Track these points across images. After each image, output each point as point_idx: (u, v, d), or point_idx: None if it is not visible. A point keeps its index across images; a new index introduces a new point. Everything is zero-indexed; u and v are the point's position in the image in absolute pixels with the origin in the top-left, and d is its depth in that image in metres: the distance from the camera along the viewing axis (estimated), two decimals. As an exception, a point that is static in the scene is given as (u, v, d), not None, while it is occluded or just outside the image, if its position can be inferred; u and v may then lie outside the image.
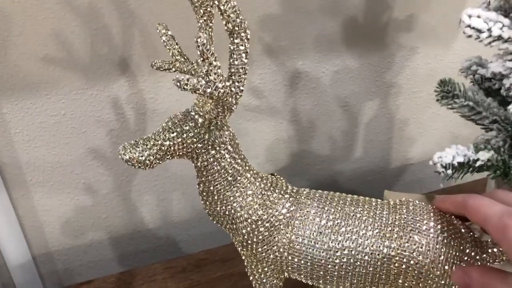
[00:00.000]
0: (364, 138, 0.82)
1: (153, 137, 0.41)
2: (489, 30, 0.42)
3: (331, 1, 0.68)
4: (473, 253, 0.40)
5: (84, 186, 0.71)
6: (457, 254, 0.40)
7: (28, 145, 0.65)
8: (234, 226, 0.45)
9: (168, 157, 0.42)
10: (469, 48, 0.77)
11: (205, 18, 0.42)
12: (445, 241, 0.40)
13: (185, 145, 0.41)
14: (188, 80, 0.35)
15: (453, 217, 0.43)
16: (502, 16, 0.43)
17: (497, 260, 0.41)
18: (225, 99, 0.37)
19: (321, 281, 0.44)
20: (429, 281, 0.40)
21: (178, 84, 0.34)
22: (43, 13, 0.57)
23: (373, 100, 0.79)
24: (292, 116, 0.77)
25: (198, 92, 0.35)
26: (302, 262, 0.43)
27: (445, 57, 0.78)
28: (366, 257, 0.41)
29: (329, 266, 0.42)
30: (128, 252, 0.79)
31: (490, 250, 0.41)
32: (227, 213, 0.45)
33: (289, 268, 0.45)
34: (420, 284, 0.41)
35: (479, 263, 0.41)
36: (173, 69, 0.44)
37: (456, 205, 0.39)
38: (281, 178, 0.47)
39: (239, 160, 0.44)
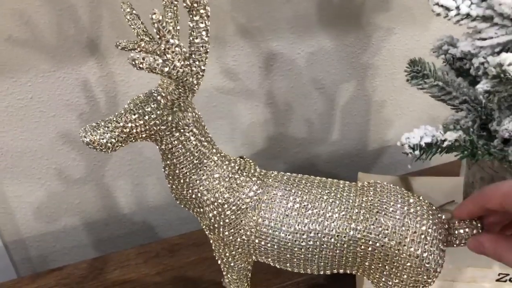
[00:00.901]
0: (341, 120, 0.82)
1: (114, 119, 0.40)
2: (458, 8, 0.42)
3: (305, -20, 0.67)
4: (439, 235, 0.40)
5: (55, 172, 0.70)
6: (423, 235, 0.39)
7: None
8: (201, 209, 0.45)
9: (131, 139, 0.41)
10: (445, 29, 0.76)
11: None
12: (411, 222, 0.40)
13: (147, 127, 0.40)
14: (143, 58, 0.33)
15: (421, 198, 0.43)
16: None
17: (463, 242, 0.41)
18: (185, 79, 0.36)
19: (288, 264, 0.44)
20: (395, 263, 0.40)
21: (134, 63, 0.33)
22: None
23: (350, 81, 0.79)
24: (268, 99, 0.76)
25: (155, 71, 0.34)
26: (269, 245, 0.43)
27: (422, 37, 0.77)
28: (333, 240, 0.41)
29: (296, 249, 0.42)
30: (103, 238, 0.78)
31: (456, 232, 0.41)
32: (193, 196, 0.44)
33: (257, 252, 0.44)
34: (387, 266, 0.40)
35: (444, 244, 0.40)
36: (139, 49, 0.43)
37: (475, 201, 0.38)
38: (250, 160, 0.46)
39: (205, 143, 0.43)
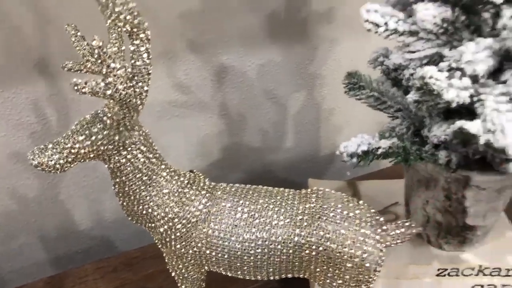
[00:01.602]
0: (293, 128, 0.85)
1: (62, 140, 0.41)
2: (386, 24, 0.45)
3: (249, -4, 0.69)
4: (377, 237, 0.43)
5: (9, 191, 0.69)
6: (362, 238, 0.42)
7: None
8: (153, 224, 0.46)
9: (79, 160, 0.42)
10: (384, 41, 0.81)
11: (112, 18, 0.41)
12: (351, 226, 0.42)
13: (95, 147, 0.41)
14: (86, 83, 0.35)
15: (360, 202, 0.45)
16: (397, 10, 0.46)
17: (399, 242, 0.44)
18: (129, 100, 0.38)
19: (239, 272, 0.45)
20: (338, 265, 0.42)
21: (76, 88, 0.34)
22: None
23: (300, 91, 0.81)
24: (221, 110, 0.77)
25: (98, 95, 0.35)
26: (220, 255, 0.44)
27: (365, 47, 0.81)
28: (279, 246, 0.43)
29: (245, 257, 0.44)
30: (61, 255, 0.78)
31: (392, 233, 0.44)
32: (144, 212, 0.45)
33: (209, 262, 0.46)
34: (330, 268, 0.43)
35: (384, 245, 0.43)
36: (84, 70, 0.44)
37: None
38: (200, 174, 0.48)
39: (153, 160, 0.45)
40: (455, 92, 0.40)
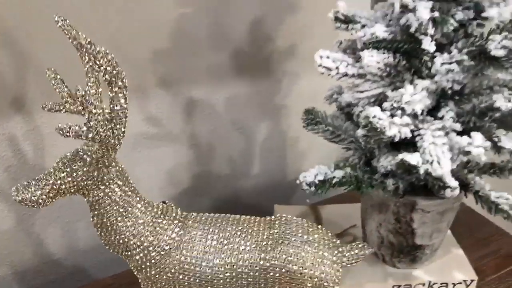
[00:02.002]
0: (261, 155, 0.90)
1: (44, 177, 0.45)
2: (337, 68, 0.51)
3: (217, 35, 0.75)
4: (334, 258, 0.48)
5: (-16, 224, 0.71)
6: (320, 259, 0.47)
7: None
8: (129, 253, 0.49)
9: (60, 195, 0.46)
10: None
11: (90, 64, 0.46)
12: (310, 249, 0.47)
13: (75, 183, 0.45)
14: (70, 128, 0.39)
15: (319, 227, 0.50)
16: (347, 55, 0.52)
17: (354, 262, 0.49)
18: (107, 141, 0.42)
19: (210, 295, 0.49)
20: (299, 285, 0.47)
21: (61, 132, 0.38)
22: None
23: (266, 121, 0.87)
24: (191, 141, 0.82)
25: (81, 138, 0.39)
26: (192, 280, 0.48)
27: (325, 80, 0.87)
28: (246, 270, 0.47)
29: (215, 281, 0.48)
30: (36, 285, 0.79)
31: (348, 254, 0.49)
32: (121, 241, 0.49)
33: (181, 286, 0.49)
34: (294, 287, 0.47)
35: (340, 266, 0.48)
36: (63, 110, 0.48)
37: None
38: (172, 204, 0.52)
39: (129, 193, 0.48)
40: (396, 129, 0.46)
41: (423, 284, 0.60)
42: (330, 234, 0.50)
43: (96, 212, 0.48)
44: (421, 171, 0.45)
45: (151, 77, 0.73)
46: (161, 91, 0.75)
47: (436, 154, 0.45)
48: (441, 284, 0.60)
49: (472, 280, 0.61)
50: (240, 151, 0.87)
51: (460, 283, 0.60)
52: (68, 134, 0.38)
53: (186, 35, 0.72)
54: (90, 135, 0.40)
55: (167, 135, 0.79)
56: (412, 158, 0.45)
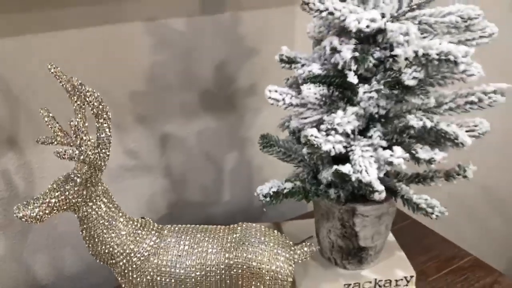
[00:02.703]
0: (230, 182, 0.99)
1: (41, 196, 0.53)
2: (283, 99, 0.62)
3: (187, 77, 0.86)
4: (287, 255, 0.57)
5: (-24, 253, 0.78)
6: (276, 256, 0.56)
7: None
8: (113, 260, 0.58)
9: (55, 211, 0.54)
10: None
11: (78, 102, 0.56)
12: (267, 248, 0.57)
13: (67, 200, 0.54)
14: (65, 151, 0.48)
15: (275, 231, 0.60)
16: (292, 89, 0.63)
17: (303, 258, 0.58)
18: (95, 162, 0.51)
19: (184, 293, 0.58)
20: (259, 278, 0.56)
21: (58, 155, 0.48)
22: None
23: (233, 152, 0.97)
24: (165, 171, 0.91)
25: (74, 159, 0.49)
26: (168, 280, 0.57)
27: (283, 114, 0.99)
28: (214, 268, 0.56)
29: (188, 280, 0.57)
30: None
31: (298, 252, 0.58)
32: (106, 251, 0.57)
33: (159, 287, 0.58)
34: (253, 282, 0.56)
35: (293, 261, 0.57)
36: (55, 143, 0.57)
37: None
38: (149, 219, 0.61)
39: (113, 209, 0.57)
40: (330, 145, 0.56)
41: (370, 282, 0.70)
42: (284, 236, 0.59)
43: (85, 226, 0.56)
44: (353, 179, 0.56)
45: (129, 114, 0.83)
46: (138, 127, 0.85)
47: (364, 165, 0.56)
48: (385, 281, 0.70)
49: (411, 276, 0.70)
50: (211, 179, 0.97)
51: (402, 279, 0.70)
52: (64, 156, 0.48)
53: (160, 78, 0.83)
54: (82, 157, 0.49)
55: (144, 167, 0.88)
56: (344, 168, 0.56)
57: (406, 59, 0.58)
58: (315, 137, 0.56)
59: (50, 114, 0.57)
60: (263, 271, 0.56)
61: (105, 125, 0.51)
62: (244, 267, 0.56)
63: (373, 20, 0.57)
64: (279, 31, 0.91)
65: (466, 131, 0.63)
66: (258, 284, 0.56)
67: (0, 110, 0.72)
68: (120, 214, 0.58)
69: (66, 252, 0.86)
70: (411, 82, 0.59)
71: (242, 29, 0.88)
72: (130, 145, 0.85)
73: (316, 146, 0.56)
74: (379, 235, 0.68)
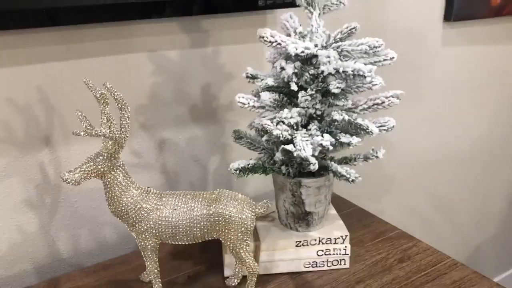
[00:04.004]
0: (213, 181, 1.24)
1: (80, 166, 0.78)
2: (248, 103, 0.88)
3: (180, 95, 1.12)
4: (250, 209, 0.82)
5: (16, 228, 1.01)
6: (241, 209, 0.81)
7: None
8: (127, 215, 0.82)
9: (88, 177, 0.78)
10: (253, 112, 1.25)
11: (104, 105, 0.81)
12: (236, 204, 0.81)
13: (97, 169, 0.78)
14: (101, 130, 0.73)
15: (242, 195, 0.84)
16: (255, 96, 0.89)
17: (263, 213, 0.83)
18: (120, 140, 0.76)
19: (177, 237, 0.82)
20: (230, 224, 0.80)
21: (96, 133, 0.73)
22: (-4, 109, 0.92)
23: (216, 155, 1.22)
24: (162, 169, 1.16)
25: (105, 136, 0.74)
26: (165, 228, 0.81)
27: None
28: (198, 218, 0.80)
29: (180, 227, 0.81)
30: (47, 278, 1.07)
31: (258, 207, 0.83)
32: (122, 208, 0.81)
33: (158, 234, 0.81)
34: (226, 227, 0.80)
35: (254, 214, 0.82)
36: (87, 135, 0.82)
37: None
38: (153, 188, 0.85)
39: (128, 178, 0.82)
40: (279, 131, 0.82)
41: (315, 240, 0.94)
42: (248, 197, 0.84)
43: (108, 189, 0.81)
44: (295, 154, 0.82)
45: (134, 122, 1.09)
46: (141, 132, 1.10)
47: (303, 145, 0.82)
48: (326, 239, 0.94)
49: (346, 235, 0.95)
50: (198, 178, 1.22)
51: (338, 238, 0.94)
52: (99, 134, 0.73)
53: (159, 95, 1.09)
54: (111, 134, 0.74)
55: (145, 164, 1.13)
56: (288, 147, 0.81)
57: (332, 74, 0.85)
58: (268, 124, 0.82)
59: (83, 114, 0.83)
60: (232, 219, 0.80)
61: (126, 115, 0.76)
62: (220, 217, 0.80)
63: (307, 48, 0.84)
64: (251, 60, 1.18)
65: (379, 126, 0.90)
66: (231, 229, 0.80)
67: (39, 116, 0.97)
68: (133, 181, 0.83)
69: (83, 233, 1.09)
70: (336, 90, 0.85)
71: (222, 59, 1.15)
72: (135, 146, 1.10)
73: (268, 130, 0.81)
74: (320, 202, 0.93)
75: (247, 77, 0.91)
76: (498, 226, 2.08)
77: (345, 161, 0.93)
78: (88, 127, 0.78)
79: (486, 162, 1.87)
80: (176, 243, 0.83)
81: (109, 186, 0.80)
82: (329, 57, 0.83)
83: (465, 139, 1.76)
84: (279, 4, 1.07)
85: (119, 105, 0.76)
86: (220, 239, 0.83)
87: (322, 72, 0.85)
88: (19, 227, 1.01)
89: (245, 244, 0.82)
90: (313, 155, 0.83)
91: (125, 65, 1.03)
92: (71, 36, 0.96)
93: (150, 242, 0.83)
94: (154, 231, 0.82)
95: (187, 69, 1.11)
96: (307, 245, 0.94)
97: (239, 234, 0.81)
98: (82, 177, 0.77)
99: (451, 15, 1.53)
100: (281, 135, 0.83)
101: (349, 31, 0.89)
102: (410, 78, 1.51)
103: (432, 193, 1.77)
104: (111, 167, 0.79)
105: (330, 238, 0.94)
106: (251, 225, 0.81)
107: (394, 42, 1.42)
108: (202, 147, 1.20)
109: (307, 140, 0.83)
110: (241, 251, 0.82)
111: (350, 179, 0.85)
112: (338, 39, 0.89)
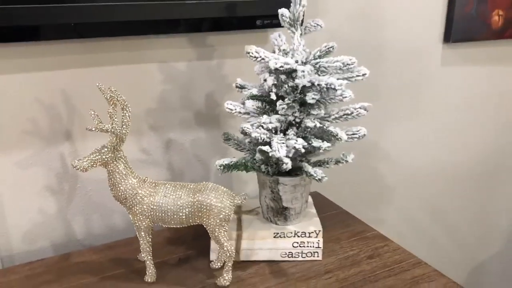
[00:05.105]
0: (215, 180, 1.37)
1: (88, 156, 0.93)
2: (236, 109, 1.01)
3: (185, 101, 1.27)
4: (230, 198, 0.95)
5: (38, 209, 1.18)
6: (221, 198, 0.94)
7: (10, 189, 1.13)
8: (125, 200, 0.96)
9: (95, 165, 0.94)
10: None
11: (113, 106, 0.97)
12: (216, 194, 0.94)
13: (102, 159, 0.93)
14: (105, 126, 0.89)
15: (225, 188, 0.98)
16: (242, 104, 1.03)
17: (239, 202, 0.96)
18: (121, 135, 0.92)
19: (166, 221, 0.96)
20: (211, 211, 0.93)
21: (101, 129, 0.88)
22: (27, 109, 1.09)
23: (216, 156, 1.36)
24: (168, 167, 1.31)
25: (108, 131, 0.89)
26: (156, 212, 0.95)
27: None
28: (183, 205, 0.94)
29: (169, 213, 0.95)
30: (61, 254, 1.23)
31: (236, 198, 0.96)
32: (122, 193, 0.96)
33: (150, 216, 0.96)
34: (207, 213, 0.94)
35: (233, 203, 0.95)
36: (98, 130, 0.97)
37: None
38: (150, 178, 1.00)
39: (128, 168, 0.97)
40: (257, 134, 0.95)
41: (291, 232, 1.06)
42: (229, 190, 0.97)
43: (110, 177, 0.96)
44: (270, 155, 0.94)
45: (145, 124, 1.24)
46: (150, 132, 1.26)
47: (278, 147, 0.95)
48: (301, 232, 1.06)
49: (319, 230, 1.06)
50: (200, 176, 1.36)
51: (312, 232, 1.06)
52: (103, 129, 0.88)
53: (167, 100, 1.25)
54: (113, 130, 0.89)
55: (153, 161, 1.28)
56: (265, 148, 0.94)
57: (308, 86, 0.98)
58: (247, 128, 0.95)
59: (96, 113, 0.99)
60: (212, 207, 0.93)
61: (127, 114, 0.91)
62: (203, 205, 0.93)
63: (287, 63, 0.97)
64: (249, 73, 1.31)
65: (351, 135, 1.02)
66: (211, 216, 0.93)
67: (62, 114, 1.14)
68: (132, 171, 0.97)
69: (95, 218, 1.25)
70: (311, 101, 0.98)
71: (225, 71, 1.30)
72: (144, 145, 1.26)
73: (247, 133, 0.95)
74: (296, 199, 1.05)
75: (236, 87, 1.05)
76: (502, 242, 2.12)
77: (319, 163, 1.05)
78: (99, 124, 0.94)
79: (488, 178, 1.93)
80: (166, 225, 0.97)
81: (111, 173, 0.95)
82: (303, 71, 0.96)
83: (465, 155, 1.83)
84: (275, 24, 1.21)
85: (122, 106, 0.91)
86: (203, 224, 0.96)
87: (297, 84, 0.98)
88: (41, 209, 1.18)
89: (223, 229, 0.95)
90: (287, 156, 0.95)
91: (138, 73, 1.19)
92: (93, 48, 1.12)
93: (144, 223, 0.97)
94: (147, 214, 0.96)
95: (193, 79, 1.26)
96: (284, 237, 1.06)
97: (218, 220, 0.94)
98: (89, 165, 0.93)
99: (450, 36, 1.62)
100: (259, 137, 0.96)
101: (327, 49, 1.02)
102: (409, 96, 1.61)
103: (433, 207, 1.84)
104: (114, 158, 0.94)
105: (304, 232, 1.06)
106: (229, 213, 0.94)
107: (394, 61, 1.53)
108: (205, 148, 1.34)
109: (282, 143, 0.96)
110: (220, 235, 0.95)
111: (317, 178, 0.97)
112: (317, 56, 1.02)
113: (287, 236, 1.06)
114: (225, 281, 0.98)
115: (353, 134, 1.02)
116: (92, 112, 0.94)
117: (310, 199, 1.17)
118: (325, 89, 0.95)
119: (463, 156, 1.83)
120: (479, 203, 1.96)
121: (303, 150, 0.96)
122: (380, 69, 1.52)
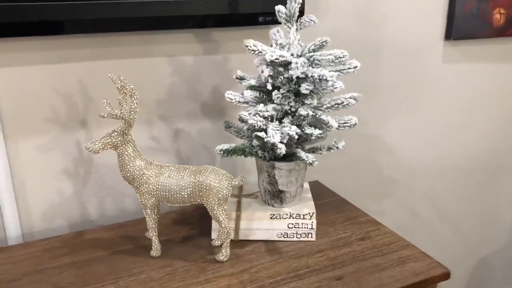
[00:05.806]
0: (220, 166, 1.45)
1: (99, 139, 1.03)
2: (235, 99, 1.10)
3: (192, 93, 1.36)
4: (228, 180, 1.03)
5: (56, 191, 1.28)
6: (220, 179, 1.02)
7: (31, 172, 1.23)
8: (133, 179, 1.05)
9: (105, 148, 1.03)
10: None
11: (123, 94, 1.06)
12: (216, 176, 1.03)
13: (112, 142, 1.03)
14: (114, 112, 0.98)
15: (224, 171, 1.06)
16: (241, 93, 1.11)
17: (235, 184, 1.04)
18: (129, 120, 1.01)
19: (170, 200, 1.04)
20: (210, 191, 1.02)
21: (111, 116, 0.97)
22: (47, 97, 1.20)
23: (221, 144, 1.44)
24: (176, 154, 1.40)
25: (118, 117, 0.98)
26: (161, 192, 1.04)
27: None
28: (185, 185, 1.03)
29: (172, 192, 1.03)
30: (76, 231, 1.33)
31: (234, 180, 1.04)
32: (130, 174, 1.05)
33: (155, 195, 1.05)
34: (207, 193, 1.02)
35: (231, 185, 1.03)
36: (109, 117, 1.07)
37: None
38: (155, 161, 1.09)
39: (136, 151, 1.06)
40: (254, 121, 1.03)
41: (287, 214, 1.13)
42: (228, 174, 1.05)
43: (120, 159, 1.05)
44: (265, 140, 1.02)
45: (155, 114, 1.33)
46: (160, 122, 1.35)
47: (272, 133, 1.02)
48: (296, 214, 1.13)
49: (313, 213, 1.13)
50: (206, 162, 1.44)
51: (306, 214, 1.13)
52: (114, 115, 0.97)
53: (175, 92, 1.34)
54: (121, 115, 0.99)
55: (162, 149, 1.38)
56: (260, 134, 1.02)
57: (302, 78, 1.05)
58: (244, 115, 1.03)
59: (109, 101, 1.08)
60: (211, 187, 1.01)
61: (135, 101, 1.01)
62: (202, 185, 1.02)
63: (282, 56, 1.05)
64: (251, 66, 1.40)
65: (343, 123, 1.09)
66: (210, 195, 1.02)
67: (78, 103, 1.24)
68: (140, 154, 1.06)
69: (108, 200, 1.35)
70: (305, 91, 1.05)
71: (229, 65, 1.38)
72: (154, 133, 1.35)
73: (244, 120, 1.03)
74: (291, 183, 1.13)
75: (236, 78, 1.13)
76: (506, 238, 2.15)
77: (312, 150, 1.12)
78: (110, 111, 1.03)
79: (490, 173, 1.97)
80: (170, 204, 1.06)
81: (121, 156, 1.05)
82: (297, 63, 1.04)
83: (466, 151, 1.88)
84: (276, 20, 1.29)
85: (130, 93, 1.01)
86: (203, 203, 1.05)
87: (292, 75, 1.06)
88: (58, 191, 1.28)
89: (221, 208, 1.03)
90: (282, 142, 1.03)
91: (148, 66, 1.28)
92: (107, 42, 1.22)
93: (150, 201, 1.06)
94: (152, 193, 1.05)
95: (199, 72, 1.35)
96: (280, 218, 1.13)
97: (217, 200, 1.03)
98: (100, 147, 1.02)
99: (451, 34, 1.67)
100: (256, 124, 1.04)
101: (320, 44, 1.09)
102: (411, 93, 1.67)
103: (436, 202, 1.89)
104: (123, 141, 1.04)
105: (299, 214, 1.14)
106: (227, 193, 1.03)
107: (395, 59, 1.59)
108: (211, 137, 1.42)
109: (277, 130, 1.04)
110: (218, 214, 1.03)
111: (308, 162, 1.04)
112: (312, 50, 1.09)
113: (283, 218, 1.13)
114: (223, 257, 1.06)
115: (345, 122, 1.09)
116: (105, 100, 1.04)
117: (306, 185, 1.25)
118: (317, 80, 1.03)
119: (465, 152, 1.88)
120: (482, 198, 2.00)
121: (296, 137, 1.04)
122: (382, 66, 1.58)
